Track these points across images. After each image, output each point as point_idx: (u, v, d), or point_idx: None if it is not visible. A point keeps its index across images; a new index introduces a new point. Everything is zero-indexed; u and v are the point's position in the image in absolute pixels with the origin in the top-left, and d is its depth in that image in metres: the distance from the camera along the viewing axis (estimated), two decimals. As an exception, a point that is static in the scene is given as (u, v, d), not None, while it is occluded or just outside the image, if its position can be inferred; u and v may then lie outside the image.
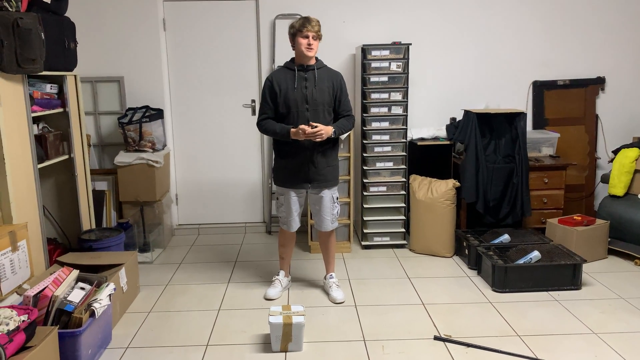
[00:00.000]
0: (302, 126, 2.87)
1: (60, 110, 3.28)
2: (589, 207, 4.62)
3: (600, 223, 3.77)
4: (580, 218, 3.79)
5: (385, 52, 3.93)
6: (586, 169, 4.59)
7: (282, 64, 3.12)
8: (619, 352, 2.55)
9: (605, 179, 4.10)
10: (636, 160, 3.87)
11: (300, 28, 2.92)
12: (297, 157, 3.01)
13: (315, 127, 2.87)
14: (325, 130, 2.90)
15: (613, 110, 4.55)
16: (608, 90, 4.53)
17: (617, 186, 3.91)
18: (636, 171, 3.87)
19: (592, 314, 2.95)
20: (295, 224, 3.21)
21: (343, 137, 3.86)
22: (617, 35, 4.46)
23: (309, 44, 2.93)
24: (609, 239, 3.83)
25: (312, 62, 3.02)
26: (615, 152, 4.06)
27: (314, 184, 3.06)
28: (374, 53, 3.92)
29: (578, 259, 3.31)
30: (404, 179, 4.06)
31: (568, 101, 4.50)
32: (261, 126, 3.05)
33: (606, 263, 3.73)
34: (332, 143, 3.08)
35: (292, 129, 2.90)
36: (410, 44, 3.96)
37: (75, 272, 2.65)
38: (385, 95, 3.96)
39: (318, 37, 2.97)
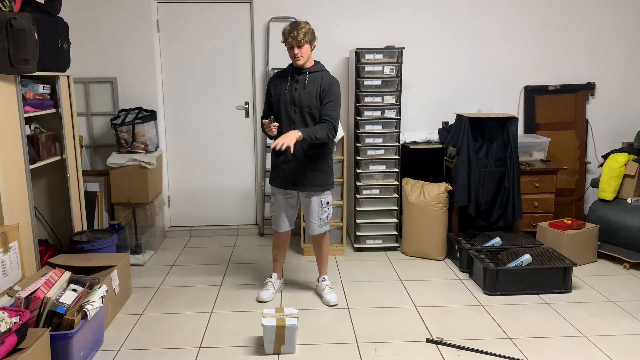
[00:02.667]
0: (265, 120, 2.96)
1: (53, 111, 3.27)
2: (579, 211, 4.67)
3: (590, 227, 3.81)
4: (570, 222, 3.83)
5: (379, 56, 3.95)
6: (576, 174, 4.63)
7: (277, 66, 3.20)
8: (609, 354, 2.58)
9: (595, 184, 4.14)
10: (625, 165, 3.91)
11: (284, 40, 2.95)
12: (284, 157, 3.03)
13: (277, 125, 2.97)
14: (288, 139, 2.77)
15: (603, 115, 4.61)
16: (598, 95, 4.59)
17: (607, 190, 3.96)
18: (625, 176, 3.92)
19: (582, 317, 2.98)
20: (284, 225, 3.21)
21: (337, 139, 3.86)
22: (607, 42, 4.52)
23: (295, 55, 2.94)
24: (599, 243, 3.88)
25: (308, 65, 3.02)
26: (605, 156, 4.11)
27: (299, 187, 3.05)
28: (368, 57, 3.94)
29: (568, 262, 3.35)
30: (396, 182, 4.08)
31: (559, 106, 4.55)
32: (261, 124, 3.12)
33: (596, 266, 3.77)
34: (322, 148, 3.03)
35: (265, 121, 2.96)
36: (404, 48, 3.98)
37: (67, 274, 2.64)
38: (378, 99, 3.98)
39: (304, 43, 2.91)
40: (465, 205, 3.95)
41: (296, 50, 2.92)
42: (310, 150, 3.00)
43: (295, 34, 2.88)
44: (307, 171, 3.03)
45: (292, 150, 2.79)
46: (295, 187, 3.07)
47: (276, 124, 2.96)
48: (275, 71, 3.21)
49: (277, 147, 2.76)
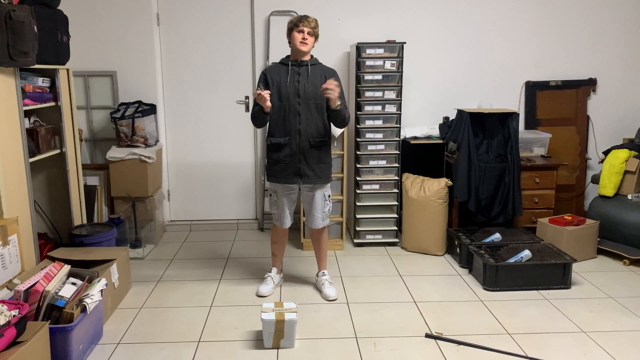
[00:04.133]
0: (257, 91, 2.85)
1: (52, 104, 3.25)
2: (579, 207, 4.67)
3: (590, 223, 3.81)
4: (570, 218, 3.83)
5: (380, 51, 3.94)
6: (577, 170, 4.63)
7: (277, 61, 3.15)
8: (608, 350, 2.58)
9: (596, 180, 4.14)
10: (626, 161, 3.91)
11: (297, 23, 2.98)
12: (289, 150, 3.02)
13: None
14: (335, 91, 2.86)
15: (604, 111, 4.60)
16: (599, 91, 4.57)
17: (607, 187, 3.95)
18: (626, 172, 3.91)
19: (582, 313, 2.98)
20: (288, 221, 3.22)
21: (337, 134, 3.87)
22: (608, 38, 4.50)
23: (304, 38, 2.97)
24: (599, 239, 3.87)
25: (307, 58, 3.04)
26: (606, 153, 4.11)
27: (304, 179, 3.06)
28: (369, 51, 3.92)
29: (568, 258, 3.35)
30: (396, 177, 4.07)
31: (560, 102, 4.54)
32: (252, 116, 3.06)
33: (595, 262, 3.77)
34: (325, 139, 3.08)
35: (256, 92, 2.85)
36: (405, 43, 3.96)
37: (67, 267, 2.64)
38: (379, 94, 3.97)
39: (314, 34, 3.00)
40: (465, 200, 3.94)
41: (306, 35, 2.96)
42: (314, 139, 3.02)
43: (310, 20, 2.98)
44: (312, 162, 3.05)
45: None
46: (301, 178, 3.06)
47: (268, 91, 2.88)
48: (269, 65, 3.15)
49: (334, 94, 2.86)
